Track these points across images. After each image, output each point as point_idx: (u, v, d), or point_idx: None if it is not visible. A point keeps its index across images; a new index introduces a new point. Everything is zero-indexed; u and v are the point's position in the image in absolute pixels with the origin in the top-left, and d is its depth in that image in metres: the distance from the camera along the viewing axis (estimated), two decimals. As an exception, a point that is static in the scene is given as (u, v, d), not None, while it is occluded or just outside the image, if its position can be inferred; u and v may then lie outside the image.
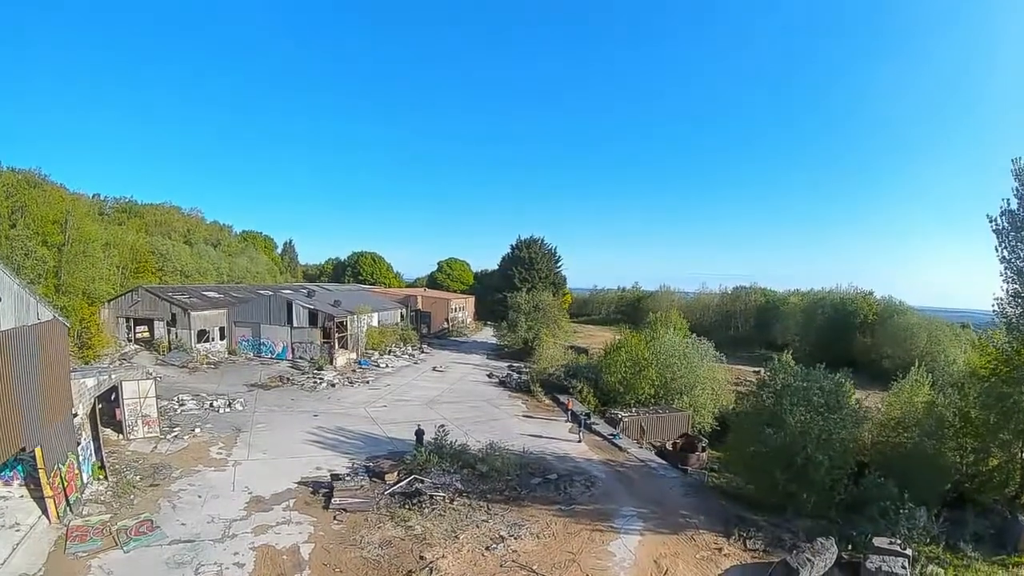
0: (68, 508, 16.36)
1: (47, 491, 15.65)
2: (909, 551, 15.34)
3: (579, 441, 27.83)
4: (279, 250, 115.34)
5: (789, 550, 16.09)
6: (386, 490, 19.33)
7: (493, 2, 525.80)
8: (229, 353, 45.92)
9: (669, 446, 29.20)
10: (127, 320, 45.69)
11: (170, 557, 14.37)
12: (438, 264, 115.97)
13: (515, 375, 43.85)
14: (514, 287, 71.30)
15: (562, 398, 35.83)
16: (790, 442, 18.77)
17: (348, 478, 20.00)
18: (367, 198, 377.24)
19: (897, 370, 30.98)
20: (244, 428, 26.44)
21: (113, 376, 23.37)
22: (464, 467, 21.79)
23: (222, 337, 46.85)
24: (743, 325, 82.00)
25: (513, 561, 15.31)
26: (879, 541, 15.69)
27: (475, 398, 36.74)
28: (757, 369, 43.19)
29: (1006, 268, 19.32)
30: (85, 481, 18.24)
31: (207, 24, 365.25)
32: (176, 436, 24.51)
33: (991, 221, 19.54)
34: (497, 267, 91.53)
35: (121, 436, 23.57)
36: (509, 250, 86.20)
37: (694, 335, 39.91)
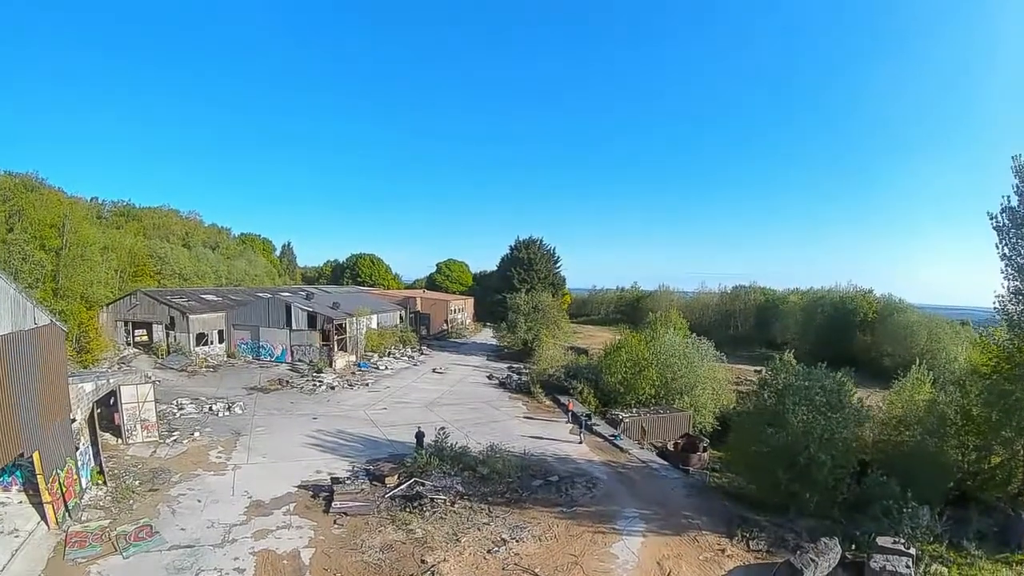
0: (67, 514, 16.24)
1: (46, 497, 15.53)
2: (913, 550, 15.30)
3: (580, 442, 27.73)
4: (277, 252, 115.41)
5: (793, 550, 16.05)
6: (387, 493, 19.22)
7: (493, 2, 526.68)
8: (228, 356, 45.74)
9: (670, 446, 29.14)
10: (125, 324, 45.52)
11: (170, 563, 14.28)
12: (437, 266, 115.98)
13: (515, 376, 43.74)
14: (513, 288, 70.98)
15: (562, 399, 35.71)
16: (792, 442, 18.71)
17: (348, 481, 19.88)
18: (366, 199, 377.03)
19: (898, 368, 31.00)
20: (243, 432, 26.33)
21: (111, 380, 23.20)
22: (465, 469, 21.66)
23: (221, 340, 46.65)
24: (743, 324, 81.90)
25: (515, 564, 15.22)
26: (883, 540, 15.64)
27: (475, 400, 36.64)
28: (758, 368, 42.97)
29: (1007, 265, 19.30)
30: (84, 486, 18.11)
31: (207, 24, 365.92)
32: (175, 440, 24.40)
33: (991, 218, 19.53)
34: (496, 268, 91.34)
35: (120, 441, 23.47)
36: (508, 251, 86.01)
37: (694, 335, 39.87)
